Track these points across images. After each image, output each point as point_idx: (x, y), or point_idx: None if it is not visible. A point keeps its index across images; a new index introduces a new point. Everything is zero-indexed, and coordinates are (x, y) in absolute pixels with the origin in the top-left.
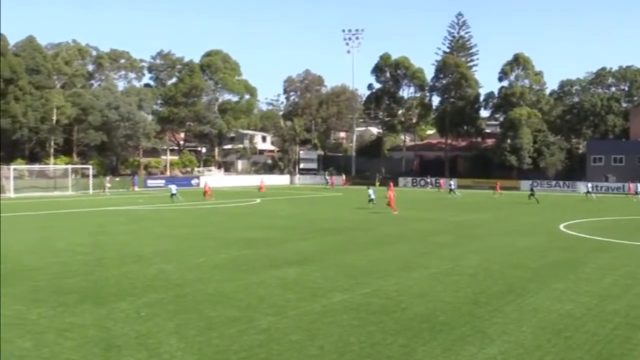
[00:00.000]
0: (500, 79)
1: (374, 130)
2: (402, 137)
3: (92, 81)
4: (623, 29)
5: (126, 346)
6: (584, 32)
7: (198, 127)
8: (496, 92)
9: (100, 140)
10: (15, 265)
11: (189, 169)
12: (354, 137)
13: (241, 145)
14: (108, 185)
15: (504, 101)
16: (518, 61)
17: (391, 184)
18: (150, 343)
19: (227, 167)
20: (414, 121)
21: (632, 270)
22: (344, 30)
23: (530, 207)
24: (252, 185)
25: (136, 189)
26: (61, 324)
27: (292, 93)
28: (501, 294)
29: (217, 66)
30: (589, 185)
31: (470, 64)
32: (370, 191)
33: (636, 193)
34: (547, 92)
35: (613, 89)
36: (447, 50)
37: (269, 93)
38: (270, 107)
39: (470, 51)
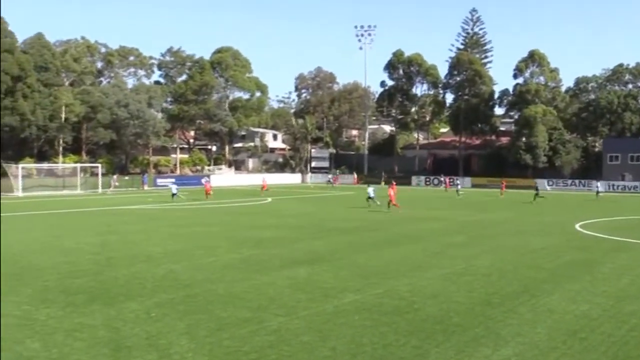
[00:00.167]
0: (515, 76)
1: (387, 128)
2: (415, 135)
3: (101, 78)
4: None
5: (136, 347)
6: (600, 27)
7: (208, 125)
8: (511, 90)
9: (109, 139)
10: (24, 265)
11: (199, 168)
12: (367, 135)
13: (252, 144)
14: (116, 184)
15: (519, 98)
16: (533, 58)
17: (393, 182)
18: (160, 344)
19: (238, 165)
20: (427, 119)
21: None
22: (356, 27)
23: (544, 206)
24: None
25: (145, 187)
26: (70, 325)
27: (303, 90)
28: (515, 294)
29: (227, 63)
30: (599, 184)
31: (485, 60)
32: (370, 190)
33: None
34: (563, 89)
35: (630, 85)
36: (461, 46)
37: (280, 90)
38: (282, 105)
39: (485, 48)
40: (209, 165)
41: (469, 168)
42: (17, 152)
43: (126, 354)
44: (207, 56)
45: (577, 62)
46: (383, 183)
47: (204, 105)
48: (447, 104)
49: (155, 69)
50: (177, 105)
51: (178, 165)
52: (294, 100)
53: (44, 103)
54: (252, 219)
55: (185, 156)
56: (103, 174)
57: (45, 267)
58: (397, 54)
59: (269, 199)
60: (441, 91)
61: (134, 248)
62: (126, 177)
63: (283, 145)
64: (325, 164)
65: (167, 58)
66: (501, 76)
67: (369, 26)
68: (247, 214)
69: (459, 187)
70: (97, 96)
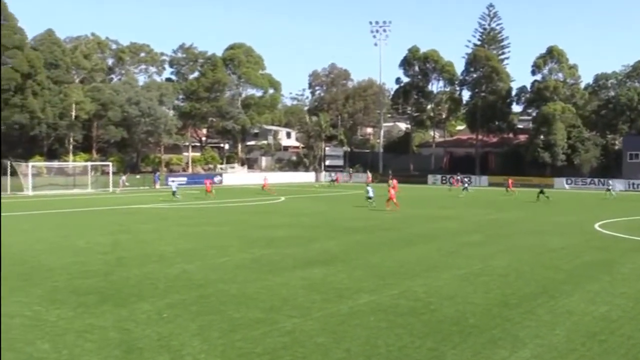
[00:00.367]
0: (533, 73)
1: (402, 125)
2: (431, 133)
3: (112, 75)
4: None
5: (148, 348)
6: (619, 23)
7: (221, 122)
8: (529, 86)
9: (120, 137)
10: (34, 265)
11: (211, 166)
12: (382, 133)
13: (265, 142)
14: (126, 183)
15: (537, 95)
16: (552, 54)
17: (395, 181)
18: (172, 345)
19: (251, 164)
20: (443, 116)
21: None
22: (370, 23)
23: (563, 205)
24: (278, 183)
25: (157, 186)
26: (81, 326)
27: (317, 87)
28: (533, 295)
29: (240, 60)
30: (610, 182)
31: (502, 57)
32: (369, 188)
33: None
34: (582, 86)
35: None
36: (478, 42)
37: (294, 87)
38: (295, 102)
39: (502, 44)
40: (222, 163)
41: (486, 166)
42: (27, 151)
43: (137, 356)
44: (219, 53)
45: (596, 58)
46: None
47: (216, 103)
48: (464, 101)
49: (166, 65)
50: (189, 103)
51: (190, 163)
52: (307, 97)
53: (54, 101)
54: (264, 218)
55: (197, 154)
56: (114, 173)
57: (55, 267)
58: (413, 50)
59: (282, 198)
60: (457, 88)
61: (146, 248)
62: (137, 176)
63: (297, 144)
64: (340, 162)
65: (179, 55)
66: (519, 73)
67: (384, 22)
68: (259, 212)
69: (466, 185)
70: (108, 93)
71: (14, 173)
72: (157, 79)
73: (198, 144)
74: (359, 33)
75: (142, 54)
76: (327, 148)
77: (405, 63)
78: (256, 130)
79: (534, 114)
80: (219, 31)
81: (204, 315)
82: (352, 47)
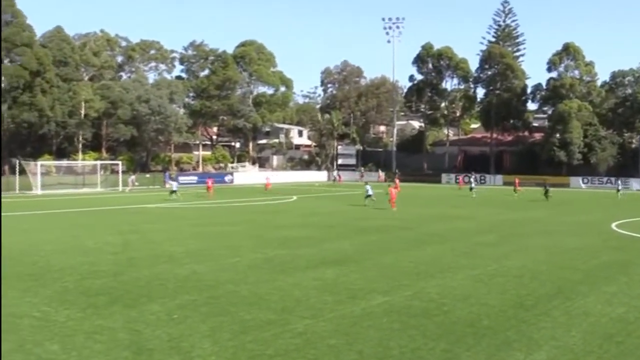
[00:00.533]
0: (549, 70)
1: (416, 124)
2: (445, 131)
3: (122, 73)
4: None
5: (158, 350)
6: (637, 19)
7: (232, 121)
8: (544, 84)
9: (130, 135)
10: (43, 265)
11: (222, 165)
12: (395, 131)
13: (277, 140)
14: (135, 183)
15: (553, 93)
16: (568, 51)
17: (397, 180)
18: (182, 346)
19: (262, 162)
20: (457, 114)
21: None
22: (383, 19)
23: (579, 205)
24: (289, 182)
25: (167, 185)
26: (90, 327)
27: (329, 85)
28: (549, 296)
29: (251, 57)
30: (620, 182)
31: (517, 54)
32: (368, 187)
33: None
34: (598, 83)
35: None
36: (493, 39)
37: (306, 85)
38: (307, 100)
39: (517, 40)
40: (232, 162)
41: (501, 165)
42: (35, 149)
43: (147, 357)
44: (230, 50)
45: (613, 55)
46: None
47: (227, 101)
48: (478, 99)
49: (177, 63)
50: (199, 101)
51: (200, 162)
52: (319, 95)
53: (63, 99)
54: (274, 218)
55: (208, 153)
56: (123, 172)
57: (64, 267)
58: (426, 47)
59: (294, 197)
60: (472, 85)
61: (156, 248)
62: (147, 175)
63: (308, 142)
64: (352, 161)
65: (189, 52)
66: (534, 70)
67: (397, 18)
68: (270, 212)
69: (473, 184)
70: (118, 91)
71: (22, 172)
72: (167, 76)
73: (209, 143)
74: (372, 30)
75: (152, 51)
76: (339, 147)
77: (419, 60)
78: (267, 129)
79: (549, 112)
80: (230, 28)
81: (214, 316)
82: (365, 44)
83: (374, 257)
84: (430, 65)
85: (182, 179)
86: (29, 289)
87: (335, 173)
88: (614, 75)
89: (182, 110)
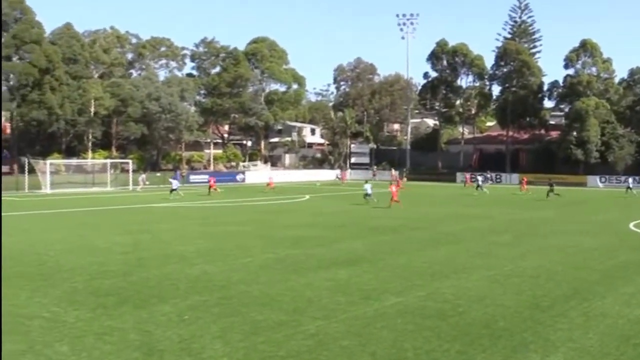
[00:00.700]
0: (566, 67)
1: (430, 122)
2: (460, 129)
3: (132, 70)
4: None
5: (168, 351)
6: None
7: (243, 119)
8: (561, 81)
9: (140, 133)
10: (52, 265)
11: (233, 164)
12: (409, 130)
13: (289, 138)
14: (146, 182)
15: (570, 90)
16: (585, 47)
17: (399, 179)
18: (193, 348)
19: (274, 161)
20: (472, 112)
21: None
22: (397, 15)
23: (596, 204)
24: (301, 181)
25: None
26: (100, 327)
27: (342, 83)
28: (565, 297)
29: (263, 54)
30: (630, 180)
31: (533, 50)
32: (367, 186)
33: None
34: (616, 80)
35: None
36: (508, 36)
37: (318, 83)
38: (320, 98)
39: (533, 37)
40: (244, 161)
41: (517, 164)
42: (45, 148)
43: (158, 359)
44: (242, 47)
45: (631, 51)
46: (405, 179)
47: (239, 99)
48: (494, 97)
49: (187, 60)
50: (210, 99)
51: (212, 161)
52: (332, 92)
53: (73, 96)
54: (285, 217)
55: (219, 151)
56: (134, 171)
57: (73, 267)
58: (441, 44)
59: (307, 196)
60: (487, 83)
61: (166, 248)
62: (158, 174)
63: (321, 140)
64: (366, 159)
65: (201, 49)
66: (551, 67)
67: (411, 14)
68: (280, 211)
69: (480, 183)
70: (128, 89)
71: (32, 171)
72: (178, 74)
73: (220, 141)
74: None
75: (163, 48)
76: (352, 145)
77: (433, 57)
78: (280, 127)
79: (566, 110)
80: (242, 25)
81: (225, 317)
82: (379, 41)
83: (386, 257)
84: (444, 62)
85: (193, 177)
86: (38, 289)
87: (338, 172)
88: (632, 72)
89: (193, 108)
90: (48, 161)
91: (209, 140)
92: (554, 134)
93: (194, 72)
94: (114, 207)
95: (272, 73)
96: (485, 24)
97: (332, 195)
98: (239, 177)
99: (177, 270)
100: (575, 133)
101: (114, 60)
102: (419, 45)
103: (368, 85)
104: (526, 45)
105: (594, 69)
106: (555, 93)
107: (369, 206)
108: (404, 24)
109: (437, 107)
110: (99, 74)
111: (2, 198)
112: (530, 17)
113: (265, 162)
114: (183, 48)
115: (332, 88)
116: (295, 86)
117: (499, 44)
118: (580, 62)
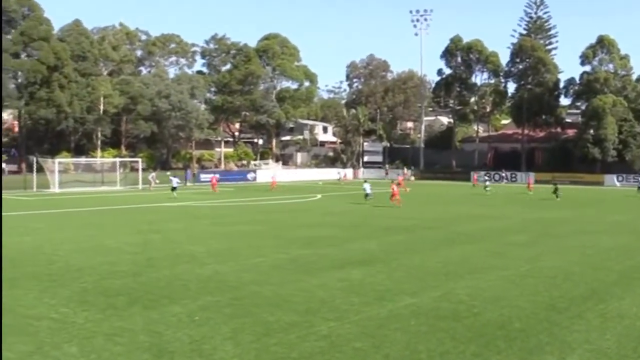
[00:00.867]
0: (582, 64)
1: (444, 119)
2: (475, 127)
3: (141, 68)
4: None
5: (179, 352)
6: None
7: (254, 116)
8: (577, 78)
9: (150, 132)
10: (61, 265)
11: (244, 162)
12: (422, 128)
13: (301, 137)
14: (156, 181)
15: (586, 88)
16: (602, 44)
17: (400, 178)
18: (204, 349)
19: (286, 159)
20: (487, 110)
21: None
22: (411, 11)
23: (613, 203)
24: (313, 180)
25: (188, 183)
26: (109, 328)
27: (355, 80)
28: (582, 298)
29: (274, 51)
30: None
31: (549, 47)
32: (366, 185)
33: None
34: (634, 77)
35: None
36: (524, 32)
37: (331, 80)
38: (332, 95)
39: (549, 33)
40: (255, 159)
41: (533, 162)
42: (53, 146)
43: None
44: (253, 44)
45: None
46: (413, 178)
47: (250, 96)
48: (509, 94)
49: (198, 57)
50: (221, 96)
51: (222, 159)
52: (345, 90)
53: (82, 94)
54: (297, 217)
55: (230, 150)
56: (144, 169)
57: (83, 267)
58: (455, 40)
59: (319, 196)
60: (502, 80)
61: (176, 247)
62: (167, 172)
63: (334, 139)
64: (379, 158)
65: (211, 46)
66: (567, 64)
67: (425, 10)
68: (291, 211)
69: (487, 183)
70: (137, 86)
71: (40, 170)
72: (188, 71)
73: (231, 139)
74: (399, 22)
75: (173, 45)
76: (365, 143)
77: (448, 54)
78: (291, 125)
79: (583, 107)
80: (253, 21)
81: (237, 318)
82: (392, 37)
83: (400, 257)
84: (459, 59)
85: (203, 176)
86: (47, 289)
87: (340, 171)
88: None
89: (203, 106)
90: (57, 160)
91: (219, 139)
92: (571, 132)
93: (205, 69)
94: (123, 207)
95: (284, 70)
96: (500, 20)
97: (341, 195)
98: (249, 175)
99: (187, 270)
100: (592, 131)
101: (123, 58)
102: (433, 42)
103: (381, 82)
104: (542, 41)
105: (611, 65)
106: (571, 90)
107: (374, 205)
108: (418, 20)
109: (451, 105)
110: (108, 72)
111: (11, 197)
112: (546, 12)
113: (277, 160)
114: (193, 45)
115: (345, 85)
116: (307, 83)
117: (514, 41)
118: (597, 58)
